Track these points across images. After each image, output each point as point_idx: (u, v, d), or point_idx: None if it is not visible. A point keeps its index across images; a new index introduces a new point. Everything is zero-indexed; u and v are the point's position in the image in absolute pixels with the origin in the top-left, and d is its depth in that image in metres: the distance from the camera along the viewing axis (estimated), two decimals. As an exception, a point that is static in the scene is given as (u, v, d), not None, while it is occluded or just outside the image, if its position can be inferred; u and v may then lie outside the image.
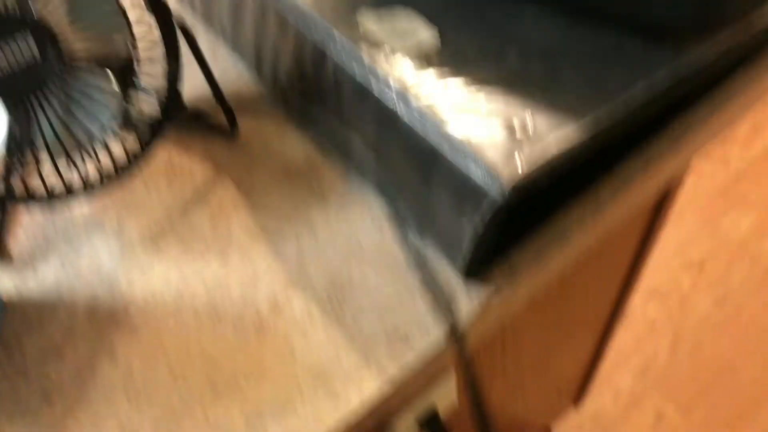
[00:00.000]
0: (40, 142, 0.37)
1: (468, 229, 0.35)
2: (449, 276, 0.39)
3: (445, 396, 0.48)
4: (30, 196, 0.39)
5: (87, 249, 0.42)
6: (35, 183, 0.39)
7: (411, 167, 0.38)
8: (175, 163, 0.45)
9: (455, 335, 0.21)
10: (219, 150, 0.45)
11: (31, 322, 0.39)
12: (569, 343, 0.84)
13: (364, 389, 0.36)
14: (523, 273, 0.38)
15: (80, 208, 0.43)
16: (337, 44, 0.39)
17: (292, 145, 0.45)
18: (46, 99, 0.35)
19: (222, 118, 0.45)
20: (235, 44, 0.49)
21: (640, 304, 1.33)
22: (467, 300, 0.38)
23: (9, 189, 0.38)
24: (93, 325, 0.39)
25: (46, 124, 0.36)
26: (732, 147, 1.54)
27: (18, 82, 0.34)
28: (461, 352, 0.21)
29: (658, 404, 1.22)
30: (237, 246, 0.41)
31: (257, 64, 0.48)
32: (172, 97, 0.39)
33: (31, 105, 0.35)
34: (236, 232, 0.42)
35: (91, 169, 0.39)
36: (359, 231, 0.41)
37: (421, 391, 0.45)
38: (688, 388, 1.24)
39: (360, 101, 0.39)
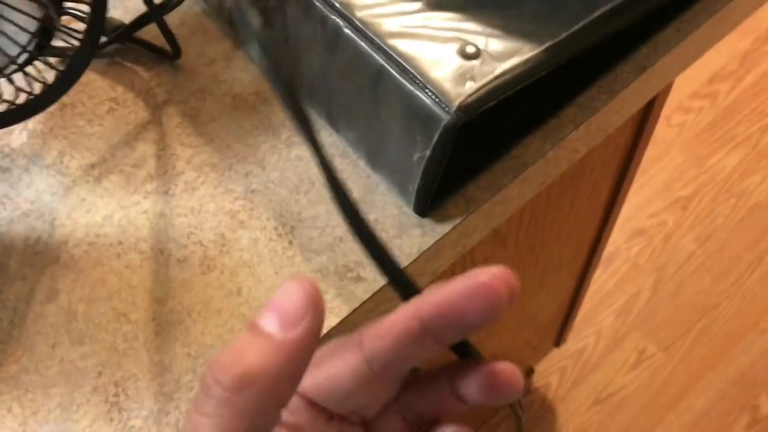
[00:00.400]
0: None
1: (417, 157, 0.33)
2: (402, 212, 0.37)
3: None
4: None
5: (26, 185, 0.40)
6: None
7: (358, 93, 0.36)
8: (117, 94, 0.42)
9: (395, 279, 0.20)
10: (163, 79, 0.43)
11: (-32, 263, 0.38)
12: (547, 283, 0.83)
13: (312, 326, 0.35)
14: (480, 206, 0.37)
15: (17, 141, 0.41)
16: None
17: (241, 74, 0.42)
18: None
19: (165, 45, 0.43)
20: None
21: (623, 243, 1.32)
22: (420, 237, 0.36)
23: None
24: (32, 264, 0.37)
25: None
26: (720, 83, 1.51)
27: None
28: (402, 296, 0.20)
29: (639, 343, 1.23)
30: (183, 181, 0.39)
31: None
32: (99, 11, 0.36)
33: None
34: (182, 166, 0.40)
35: (14, 93, 0.37)
36: (310, 167, 0.39)
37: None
38: (669, 327, 1.24)
39: (305, 19, 0.37)
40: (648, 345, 1.23)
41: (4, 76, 0.35)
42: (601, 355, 1.23)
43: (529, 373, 1.20)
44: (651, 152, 1.26)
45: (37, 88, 0.37)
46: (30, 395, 0.34)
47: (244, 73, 0.43)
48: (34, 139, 0.41)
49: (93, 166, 0.40)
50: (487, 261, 0.55)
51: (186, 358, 0.34)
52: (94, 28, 0.35)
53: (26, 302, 0.36)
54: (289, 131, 0.40)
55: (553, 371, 1.22)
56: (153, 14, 0.40)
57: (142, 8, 0.41)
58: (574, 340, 1.23)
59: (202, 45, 0.43)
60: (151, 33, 0.43)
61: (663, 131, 1.44)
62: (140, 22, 0.42)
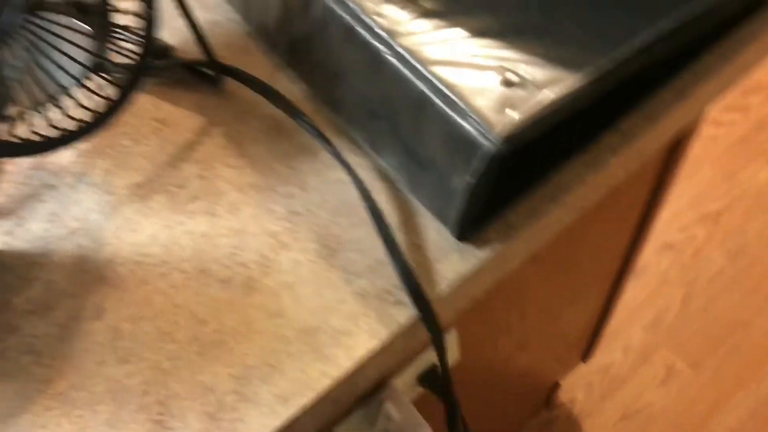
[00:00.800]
0: (9, 88, 0.35)
1: (459, 184, 0.34)
2: (442, 236, 0.37)
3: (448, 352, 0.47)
4: (6, 146, 0.38)
5: (73, 203, 0.41)
6: (12, 132, 0.38)
7: (399, 118, 0.36)
8: (162, 115, 0.43)
9: (424, 311, 0.20)
10: (207, 101, 0.44)
11: (18, 277, 0.39)
12: (578, 298, 0.83)
13: (354, 350, 0.35)
14: (519, 232, 0.37)
15: (65, 159, 0.42)
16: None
17: (281, 94, 0.43)
18: (10, 40, 0.33)
19: (209, 68, 0.44)
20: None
21: (652, 256, 1.31)
22: (460, 262, 0.36)
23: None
24: (80, 282, 0.38)
25: (14, 68, 0.35)
26: (752, 96, 1.49)
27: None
28: (431, 327, 0.20)
29: (668, 359, 1.22)
30: (226, 202, 0.40)
31: (245, 10, 0.46)
32: (149, 40, 0.37)
33: None
34: (225, 187, 0.40)
35: (68, 118, 0.38)
36: (351, 190, 0.39)
37: (421, 350, 0.44)
38: (699, 343, 1.23)
39: (347, 48, 0.37)
40: (677, 361, 1.21)
41: (56, 105, 0.36)
42: (628, 371, 1.22)
43: (554, 387, 1.19)
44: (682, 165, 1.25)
45: (87, 113, 0.38)
46: (78, 411, 0.35)
47: (289, 93, 0.43)
48: (81, 158, 0.42)
49: (139, 185, 0.41)
50: (520, 280, 0.55)
51: (229, 379, 0.35)
52: (143, 58, 0.36)
53: (74, 320, 0.37)
54: (329, 154, 0.41)
55: (579, 386, 1.21)
56: (204, 48, 0.41)
57: (185, 28, 0.42)
58: (601, 355, 1.23)
59: (245, 66, 0.44)
60: (195, 50, 0.44)
61: (694, 145, 1.43)
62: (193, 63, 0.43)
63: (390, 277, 0.37)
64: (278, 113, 0.42)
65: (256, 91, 0.42)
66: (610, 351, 1.23)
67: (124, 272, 0.38)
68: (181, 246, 0.39)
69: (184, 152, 0.42)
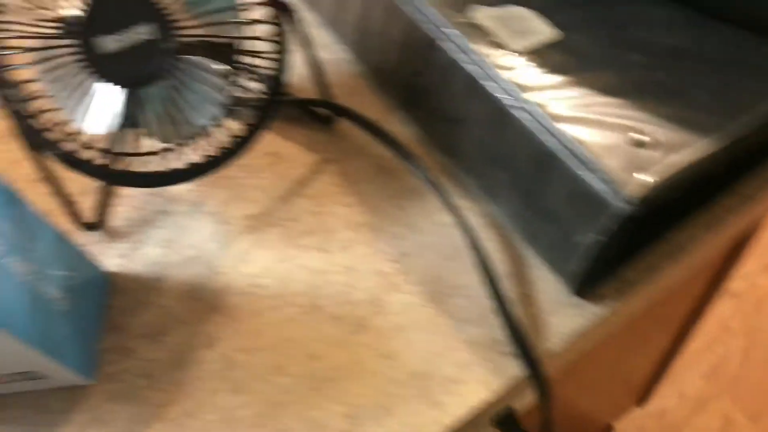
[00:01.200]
0: (148, 123, 0.37)
1: (584, 241, 0.34)
2: (556, 289, 0.37)
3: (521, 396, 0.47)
4: (134, 176, 0.40)
5: (189, 231, 0.42)
6: (139, 162, 0.39)
7: (521, 171, 0.36)
8: (275, 150, 0.44)
9: (532, 368, 0.20)
10: (320, 138, 0.45)
11: (134, 301, 0.40)
12: (645, 345, 0.82)
13: (466, 399, 0.35)
14: (636, 289, 0.37)
15: (182, 187, 0.44)
16: (450, 37, 0.38)
17: (397, 135, 0.44)
18: (158, 81, 0.35)
19: (317, 105, 0.45)
20: (337, 28, 0.48)
21: (714, 304, 1.28)
22: (576, 318, 0.36)
23: (113, 167, 0.38)
24: (194, 309, 0.39)
25: (156, 106, 0.36)
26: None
27: (133, 63, 0.34)
28: (539, 385, 0.21)
29: (726, 409, 1.19)
30: (338, 239, 0.41)
31: (360, 51, 0.47)
32: (279, 82, 0.38)
33: (143, 86, 0.35)
34: (337, 224, 0.41)
35: (197, 152, 0.39)
36: (460, 233, 0.40)
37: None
38: (759, 395, 1.19)
39: (470, 98, 0.38)
40: (735, 413, 1.18)
41: (191, 140, 0.37)
42: (684, 418, 1.19)
43: (607, 430, 1.17)
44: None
45: (217, 148, 0.39)
46: (190, 439, 0.35)
47: (400, 134, 0.44)
48: (197, 187, 0.44)
49: (253, 217, 0.42)
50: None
51: (341, 418, 0.35)
52: (273, 96, 0.37)
53: (188, 347, 0.38)
54: (433, 199, 0.41)
55: (632, 430, 1.18)
56: (322, 88, 0.42)
57: (299, 65, 0.43)
58: (657, 400, 1.20)
59: (357, 105, 0.45)
60: (307, 87, 0.45)
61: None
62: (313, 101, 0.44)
63: (501, 327, 0.37)
64: (389, 153, 0.43)
65: (369, 132, 0.43)
66: (666, 397, 1.21)
67: (238, 302, 0.39)
68: (294, 280, 0.40)
69: (297, 187, 0.43)
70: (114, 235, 0.42)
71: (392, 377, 0.36)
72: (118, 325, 0.39)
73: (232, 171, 0.44)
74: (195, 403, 0.36)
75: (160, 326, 0.39)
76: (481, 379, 0.35)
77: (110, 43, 0.33)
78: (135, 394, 0.37)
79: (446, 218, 0.40)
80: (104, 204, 0.42)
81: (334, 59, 0.48)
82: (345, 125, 0.45)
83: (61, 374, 0.36)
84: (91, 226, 0.42)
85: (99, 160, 0.37)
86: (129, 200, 0.44)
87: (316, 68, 0.43)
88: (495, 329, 0.37)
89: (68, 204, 0.41)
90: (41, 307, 0.35)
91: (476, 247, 0.37)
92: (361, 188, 0.42)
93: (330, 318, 0.38)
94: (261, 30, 0.38)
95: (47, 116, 0.37)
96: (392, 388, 0.36)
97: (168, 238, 0.42)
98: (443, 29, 0.38)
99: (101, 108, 0.35)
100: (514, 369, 0.36)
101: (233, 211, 0.43)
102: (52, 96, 0.36)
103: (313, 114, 0.45)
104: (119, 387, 0.37)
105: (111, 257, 0.41)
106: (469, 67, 0.37)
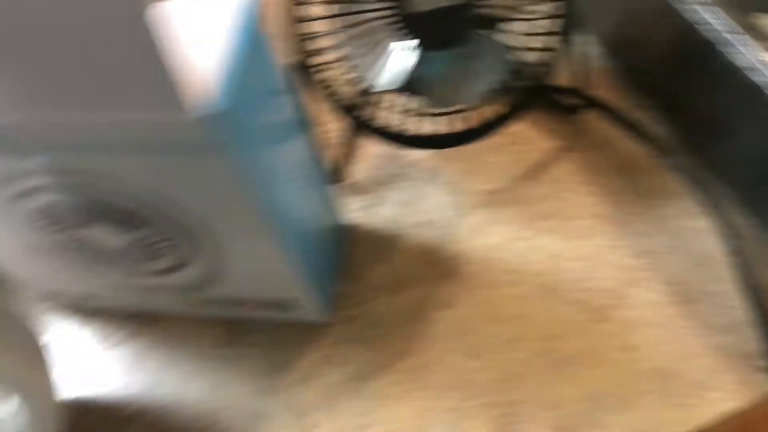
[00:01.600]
0: (429, 87, 0.38)
1: None
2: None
3: None
4: (389, 134, 0.41)
5: (425, 197, 0.43)
6: (395, 120, 0.41)
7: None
8: (516, 130, 0.45)
9: None
10: (560, 126, 0.45)
11: (370, 254, 0.41)
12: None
13: (712, 407, 0.34)
14: None
15: (419, 154, 0.45)
16: (735, 42, 0.37)
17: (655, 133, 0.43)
18: (455, 46, 0.36)
19: (567, 94, 0.45)
20: (591, 21, 0.48)
21: None
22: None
23: (369, 119, 0.40)
24: (429, 272, 0.40)
25: (442, 70, 0.37)
26: None
27: (438, 26, 0.35)
28: None
29: None
30: (577, 227, 0.40)
31: (615, 46, 0.47)
32: (551, 67, 0.38)
33: (442, 49, 0.36)
34: (577, 212, 0.41)
35: (457, 121, 0.40)
36: (712, 240, 0.39)
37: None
38: None
39: (750, 109, 0.37)
40: None
41: (469, 108, 0.38)
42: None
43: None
44: None
45: (478, 121, 0.40)
46: (424, 392, 0.36)
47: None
48: (435, 156, 0.45)
49: (490, 192, 0.43)
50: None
51: (578, 401, 0.35)
52: (540, 84, 0.38)
53: (422, 306, 0.39)
54: (688, 200, 0.40)
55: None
56: (579, 70, 0.42)
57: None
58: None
59: (601, 98, 0.45)
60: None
61: None
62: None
63: (753, 340, 0.35)
64: (634, 150, 0.43)
65: (622, 127, 0.42)
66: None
67: (474, 271, 0.40)
68: (530, 259, 0.40)
69: (537, 170, 0.43)
70: (353, 190, 0.44)
71: (633, 371, 0.35)
72: (353, 273, 0.40)
73: (470, 145, 0.45)
74: (428, 359, 0.37)
75: (394, 281, 0.40)
76: (732, 389, 0.34)
77: (424, 3, 0.34)
78: (367, 341, 0.38)
79: (697, 224, 0.39)
80: (348, 159, 0.44)
81: (582, 51, 0.48)
82: (590, 117, 0.45)
83: (307, 308, 0.37)
84: (334, 178, 0.43)
85: (387, 120, 0.39)
86: (369, 160, 0.45)
87: (577, 58, 0.43)
88: (748, 341, 0.35)
89: (336, 155, 0.43)
90: (310, 238, 0.36)
91: (740, 256, 0.36)
92: (605, 181, 0.42)
93: (567, 302, 0.38)
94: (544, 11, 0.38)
95: (341, 73, 0.38)
96: (632, 382, 0.35)
97: (404, 200, 0.43)
98: (727, 33, 0.37)
99: (394, 67, 0.37)
100: (764, 384, 0.34)
101: (470, 184, 0.43)
102: (348, 53, 0.38)
103: (555, 102, 0.45)
104: (352, 331, 0.38)
105: (349, 210, 0.43)
106: (756, 77, 0.36)
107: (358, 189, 0.44)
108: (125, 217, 0.30)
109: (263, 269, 0.34)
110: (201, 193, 0.28)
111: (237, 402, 0.37)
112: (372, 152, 0.45)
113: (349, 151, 0.44)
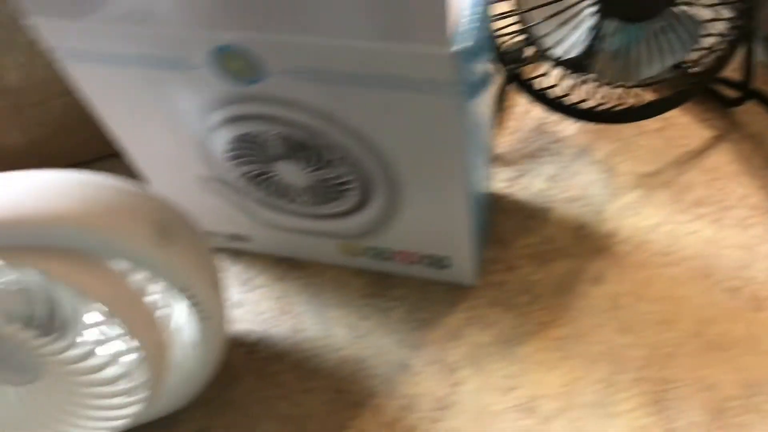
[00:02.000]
0: (620, 59, 0.38)
1: None
2: None
3: None
4: (552, 101, 0.41)
5: (574, 173, 0.43)
6: (561, 87, 0.41)
7: None
8: (669, 114, 0.44)
9: None
10: (712, 115, 0.45)
11: (518, 223, 0.41)
12: None
13: None
14: None
15: (568, 131, 0.45)
16: None
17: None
18: (649, 20, 0.36)
19: (733, 86, 0.44)
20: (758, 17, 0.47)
21: None
22: None
23: (533, 81, 0.40)
24: (580, 246, 0.40)
25: (624, 43, 0.37)
26: None
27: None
28: None
29: None
30: (734, 216, 0.40)
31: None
32: (727, 55, 0.38)
33: (638, 22, 0.36)
34: (734, 202, 0.41)
35: (629, 96, 0.40)
36: None
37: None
38: None
39: None
40: None
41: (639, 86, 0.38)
42: None
43: None
44: None
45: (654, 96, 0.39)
46: (573, 362, 0.36)
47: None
48: (584, 135, 0.45)
49: (642, 175, 0.42)
50: None
51: (731, 385, 0.34)
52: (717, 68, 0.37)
53: (572, 278, 0.39)
54: None
55: None
56: (744, 71, 0.41)
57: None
58: None
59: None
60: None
61: None
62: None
63: None
64: (794, 148, 0.42)
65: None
66: None
67: (625, 250, 0.40)
68: (684, 244, 0.39)
69: (690, 157, 0.43)
70: (500, 161, 0.44)
71: (791, 362, 0.35)
72: (501, 240, 0.41)
73: (620, 126, 0.45)
74: (578, 331, 0.37)
75: (544, 252, 0.40)
76: None
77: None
78: (516, 307, 0.38)
79: None
80: (499, 121, 0.44)
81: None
82: (747, 110, 0.44)
83: (458, 268, 0.38)
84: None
85: (552, 86, 0.39)
86: (516, 133, 0.45)
87: (745, 51, 0.43)
88: None
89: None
90: (479, 199, 0.37)
91: None
92: (761, 174, 0.42)
93: (722, 289, 0.38)
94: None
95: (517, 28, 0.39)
96: (792, 373, 0.35)
97: (553, 175, 0.43)
98: None
99: (578, 34, 0.37)
100: None
101: (621, 165, 0.43)
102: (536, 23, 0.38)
103: (714, 92, 0.45)
104: (501, 296, 0.39)
105: (497, 180, 0.43)
106: None
107: (506, 161, 0.44)
108: (318, 156, 0.31)
109: (433, 222, 0.34)
110: (408, 135, 0.29)
111: (382, 351, 0.38)
112: (520, 126, 0.45)
113: (501, 113, 0.44)
